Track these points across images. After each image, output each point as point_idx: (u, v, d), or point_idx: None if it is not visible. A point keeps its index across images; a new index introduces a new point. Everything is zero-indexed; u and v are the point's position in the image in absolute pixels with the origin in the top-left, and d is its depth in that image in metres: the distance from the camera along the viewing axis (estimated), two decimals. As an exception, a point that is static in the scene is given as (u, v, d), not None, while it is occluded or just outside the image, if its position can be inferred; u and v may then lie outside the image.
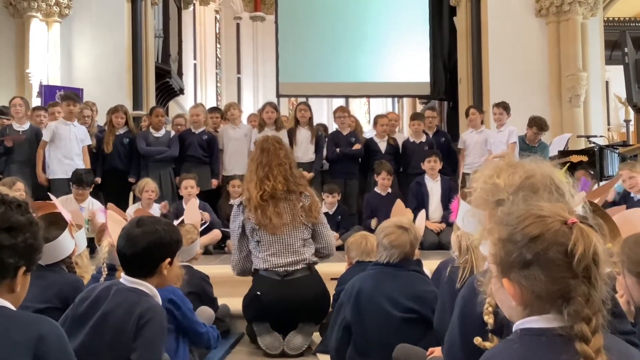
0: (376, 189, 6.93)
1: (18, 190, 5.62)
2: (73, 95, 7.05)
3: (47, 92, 8.62)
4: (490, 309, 1.43)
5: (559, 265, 1.13)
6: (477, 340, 1.47)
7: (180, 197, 6.72)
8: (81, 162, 6.75)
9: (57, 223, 2.80)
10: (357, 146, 7.41)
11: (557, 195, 1.53)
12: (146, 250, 2.23)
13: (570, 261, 1.12)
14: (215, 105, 19.07)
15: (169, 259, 2.28)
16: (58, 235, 2.71)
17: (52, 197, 3.38)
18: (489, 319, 1.44)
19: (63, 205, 3.36)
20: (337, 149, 7.39)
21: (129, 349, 2.11)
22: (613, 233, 2.36)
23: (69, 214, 2.90)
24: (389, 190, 6.87)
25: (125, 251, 2.24)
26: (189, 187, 6.41)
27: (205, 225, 5.11)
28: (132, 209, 6.09)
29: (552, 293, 1.14)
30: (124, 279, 2.26)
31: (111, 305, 2.17)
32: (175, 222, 3.77)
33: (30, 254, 1.57)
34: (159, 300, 2.27)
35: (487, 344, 1.46)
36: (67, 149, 6.70)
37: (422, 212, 4.22)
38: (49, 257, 2.70)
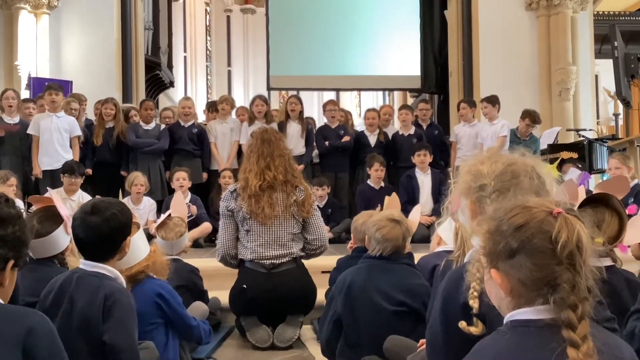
0: (369, 182, 6.93)
1: (11, 185, 5.60)
2: (56, 85, 6.97)
3: (36, 84, 8.55)
4: (475, 293, 1.45)
5: (543, 252, 1.16)
6: (462, 324, 1.48)
7: (170, 191, 6.69)
8: (66, 153, 6.62)
9: (53, 218, 2.77)
10: (346, 138, 7.42)
11: (537, 182, 1.57)
12: (110, 236, 2.22)
13: (554, 248, 1.15)
14: (205, 98, 19.05)
15: (129, 237, 2.30)
16: (53, 230, 2.68)
17: (50, 190, 3.33)
18: (474, 304, 1.46)
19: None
20: (327, 142, 7.39)
21: (98, 332, 2.11)
22: (620, 225, 2.38)
23: (65, 209, 2.86)
24: (382, 183, 6.89)
25: (87, 239, 2.23)
26: (181, 179, 6.39)
27: (191, 218, 5.11)
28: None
29: (538, 280, 1.16)
30: (83, 264, 2.24)
31: (76, 291, 2.17)
32: (164, 216, 3.77)
33: (19, 247, 1.58)
34: (123, 282, 2.27)
35: (472, 329, 1.47)
36: (50, 141, 6.60)
37: (418, 207, 4.23)
38: (42, 251, 2.66)
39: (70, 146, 6.76)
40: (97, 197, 4.45)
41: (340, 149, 7.42)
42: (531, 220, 1.18)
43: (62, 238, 2.71)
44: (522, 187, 1.55)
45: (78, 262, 3.12)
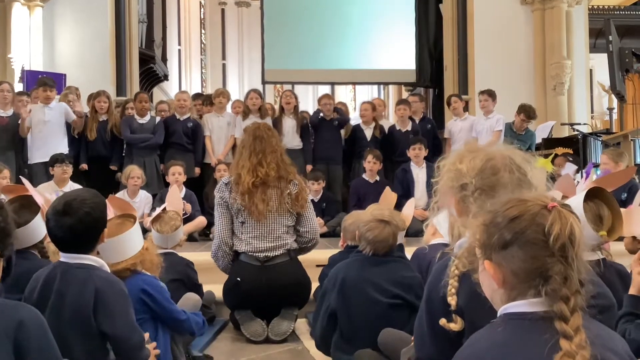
0: (364, 176, 6.93)
1: (4, 178, 5.57)
2: (49, 80, 6.95)
3: (29, 77, 8.50)
4: (453, 290, 1.46)
5: (536, 244, 1.16)
6: (442, 321, 1.49)
7: (166, 184, 6.66)
8: (60, 145, 6.65)
9: (29, 207, 2.75)
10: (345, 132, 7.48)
11: (518, 175, 1.56)
12: (86, 233, 2.20)
13: (547, 240, 1.15)
14: (200, 91, 18.96)
15: (106, 229, 2.28)
16: (30, 219, 2.67)
17: (23, 180, 3.31)
18: (451, 300, 1.47)
19: (44, 191, 3.30)
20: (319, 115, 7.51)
21: (91, 324, 2.10)
22: (616, 221, 2.38)
23: (41, 197, 2.84)
24: (377, 177, 6.88)
25: (65, 238, 2.20)
26: (177, 173, 6.34)
27: (185, 216, 5.11)
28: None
29: (531, 272, 1.17)
30: (65, 257, 2.21)
31: (63, 284, 2.14)
32: (158, 210, 3.75)
33: (3, 238, 1.58)
34: (107, 269, 2.26)
35: (452, 325, 1.48)
36: (43, 134, 6.62)
37: (411, 201, 4.22)
38: (22, 241, 2.64)
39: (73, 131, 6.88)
40: (67, 192, 4.41)
41: (337, 128, 7.53)
42: (525, 213, 1.19)
43: (41, 226, 2.69)
44: (503, 182, 1.54)
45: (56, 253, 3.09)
